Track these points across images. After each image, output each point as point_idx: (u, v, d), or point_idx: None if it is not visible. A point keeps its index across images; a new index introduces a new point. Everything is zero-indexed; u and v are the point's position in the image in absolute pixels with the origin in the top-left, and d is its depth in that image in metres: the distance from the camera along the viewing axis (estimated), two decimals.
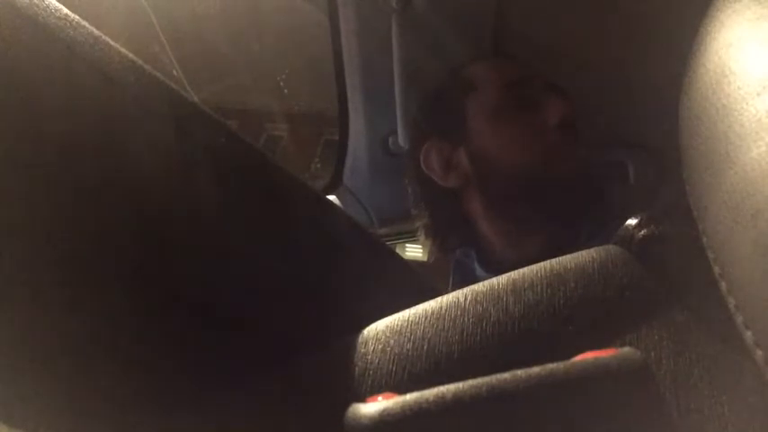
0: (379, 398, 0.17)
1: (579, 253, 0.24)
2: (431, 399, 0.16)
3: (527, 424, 0.16)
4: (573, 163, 0.60)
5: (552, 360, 0.17)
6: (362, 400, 0.17)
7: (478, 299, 0.22)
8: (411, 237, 0.99)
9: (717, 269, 0.17)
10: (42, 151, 0.21)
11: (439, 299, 0.23)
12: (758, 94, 0.16)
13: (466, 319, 0.22)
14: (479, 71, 0.66)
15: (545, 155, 0.60)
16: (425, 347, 0.21)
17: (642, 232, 0.23)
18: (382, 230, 0.93)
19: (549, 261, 0.24)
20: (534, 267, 0.24)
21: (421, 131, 0.70)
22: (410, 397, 0.16)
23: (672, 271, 0.22)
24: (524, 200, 0.60)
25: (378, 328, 0.23)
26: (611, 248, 0.24)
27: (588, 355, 0.17)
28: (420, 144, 0.68)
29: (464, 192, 0.66)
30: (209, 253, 0.25)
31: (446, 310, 0.22)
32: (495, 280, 0.23)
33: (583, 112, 0.62)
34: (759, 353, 0.15)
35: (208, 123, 0.26)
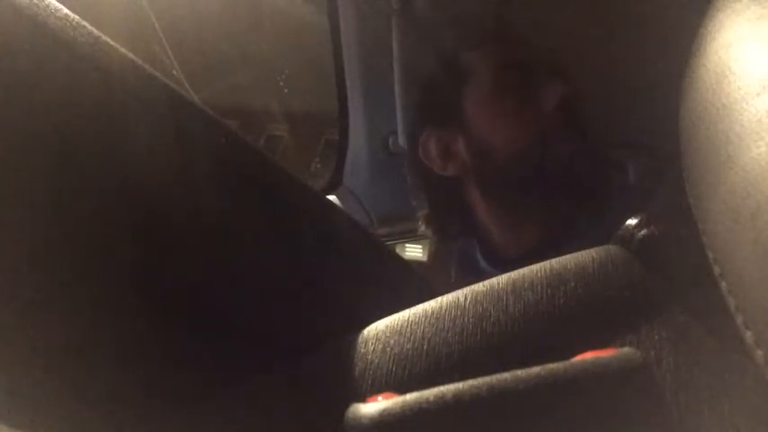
0: (379, 398, 0.17)
1: (579, 253, 0.24)
2: (431, 399, 0.16)
3: (527, 424, 0.16)
4: (573, 148, 0.59)
5: (552, 360, 0.17)
6: (362, 399, 0.17)
7: (478, 299, 0.22)
8: (411, 237, 0.99)
9: (717, 269, 0.17)
10: (42, 151, 0.21)
11: (439, 299, 0.23)
12: (758, 94, 0.16)
13: (466, 319, 0.22)
14: (475, 57, 0.65)
15: (542, 140, 0.59)
16: (425, 347, 0.21)
17: (642, 232, 0.23)
18: (382, 230, 0.93)
19: (549, 261, 0.24)
20: (534, 267, 0.24)
21: (419, 120, 0.70)
22: (410, 397, 0.16)
23: (672, 271, 0.22)
24: (521, 187, 0.60)
25: (378, 328, 0.23)
26: (611, 248, 0.24)
27: (588, 355, 0.17)
28: (418, 133, 0.67)
29: (463, 180, 0.65)
30: (209, 253, 0.25)
31: (446, 310, 0.22)
32: (494, 280, 0.23)
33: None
34: (759, 353, 0.15)
35: (208, 123, 0.26)
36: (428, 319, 0.22)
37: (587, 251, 0.24)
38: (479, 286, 0.23)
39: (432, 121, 0.67)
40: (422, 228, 0.73)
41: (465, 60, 0.66)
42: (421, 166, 0.67)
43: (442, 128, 0.65)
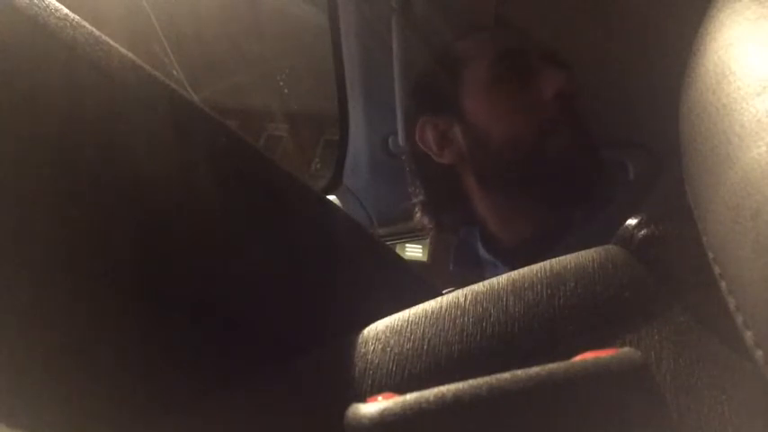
0: (379, 398, 0.17)
1: (579, 253, 0.24)
2: (431, 399, 0.16)
3: (527, 424, 0.16)
4: (570, 139, 0.58)
5: (552, 360, 0.17)
6: (362, 399, 0.17)
7: (479, 299, 0.22)
8: (411, 237, 0.99)
9: (717, 269, 0.17)
10: (42, 152, 0.21)
11: (439, 299, 0.23)
12: (758, 94, 0.16)
13: (466, 319, 0.22)
14: (471, 44, 0.65)
15: (539, 129, 0.57)
16: (425, 347, 0.21)
17: (642, 232, 0.23)
18: (382, 230, 0.93)
19: (549, 261, 0.24)
20: (534, 267, 0.24)
21: (417, 107, 0.69)
22: (410, 397, 0.16)
23: (672, 271, 0.22)
24: (517, 178, 0.59)
25: (378, 328, 0.23)
26: (611, 248, 0.24)
27: (588, 355, 0.17)
28: (416, 119, 0.67)
29: (460, 169, 0.65)
30: (209, 253, 0.25)
31: (446, 310, 0.22)
32: (494, 280, 0.23)
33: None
34: (759, 353, 0.15)
35: (208, 123, 0.26)
36: (428, 319, 0.22)
37: (587, 251, 0.24)
38: (479, 286, 0.23)
39: (429, 108, 0.66)
40: (417, 216, 0.72)
41: (462, 47, 0.65)
42: (418, 152, 0.67)
43: (439, 115, 0.65)
